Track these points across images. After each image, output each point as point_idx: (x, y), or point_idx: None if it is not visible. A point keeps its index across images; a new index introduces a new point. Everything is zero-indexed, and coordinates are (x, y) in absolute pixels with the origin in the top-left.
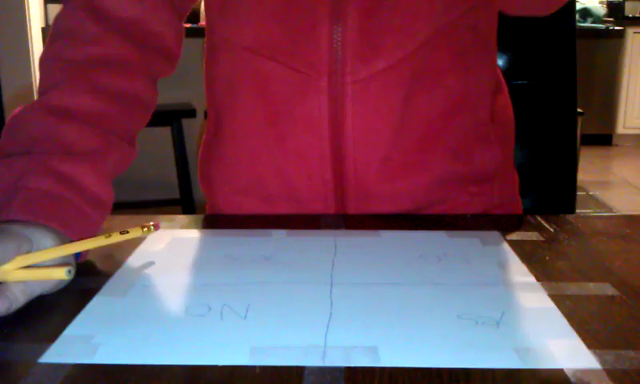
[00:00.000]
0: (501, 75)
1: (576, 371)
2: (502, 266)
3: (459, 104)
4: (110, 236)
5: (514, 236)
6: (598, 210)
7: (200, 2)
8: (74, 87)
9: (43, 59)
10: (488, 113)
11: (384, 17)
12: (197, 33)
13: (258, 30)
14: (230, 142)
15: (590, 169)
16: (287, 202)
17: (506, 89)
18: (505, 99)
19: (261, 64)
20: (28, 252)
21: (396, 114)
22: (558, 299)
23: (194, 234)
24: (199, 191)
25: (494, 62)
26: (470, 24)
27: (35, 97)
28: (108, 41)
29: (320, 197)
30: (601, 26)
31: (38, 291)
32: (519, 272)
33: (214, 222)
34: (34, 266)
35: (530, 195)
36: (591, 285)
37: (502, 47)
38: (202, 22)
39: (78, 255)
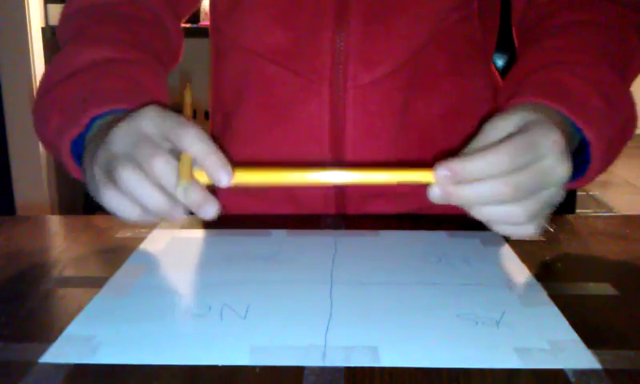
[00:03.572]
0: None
1: (576, 371)
2: (502, 265)
3: (456, 109)
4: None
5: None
6: (598, 210)
7: (200, 3)
8: (111, 24)
9: (68, 27)
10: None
11: (386, 23)
12: (198, 33)
13: (262, 34)
14: (234, 145)
15: None
16: (287, 205)
17: None
18: None
19: (265, 67)
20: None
21: (395, 119)
22: (558, 299)
23: (194, 234)
24: None
25: (491, 70)
26: (465, 33)
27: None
28: (131, 4)
29: (320, 200)
30: None
31: None
32: (519, 272)
33: (213, 221)
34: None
35: None
36: (591, 285)
37: (502, 47)
38: (202, 22)
39: None
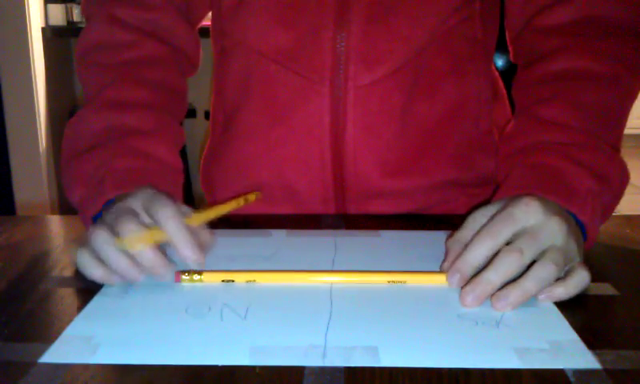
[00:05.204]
0: (501, 84)
1: (576, 371)
2: None
3: (458, 111)
4: (247, 200)
5: None
6: None
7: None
8: (124, 83)
9: (85, 70)
10: (489, 123)
11: (387, 24)
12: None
13: (265, 34)
14: (235, 144)
15: None
16: (288, 204)
17: (505, 96)
18: (504, 106)
19: (267, 67)
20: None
21: (396, 119)
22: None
23: None
24: (199, 191)
25: (492, 70)
26: (467, 34)
27: (35, 97)
28: (142, 43)
29: (320, 200)
30: None
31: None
32: None
33: (214, 221)
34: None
35: None
36: (591, 285)
37: (502, 47)
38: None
39: None
